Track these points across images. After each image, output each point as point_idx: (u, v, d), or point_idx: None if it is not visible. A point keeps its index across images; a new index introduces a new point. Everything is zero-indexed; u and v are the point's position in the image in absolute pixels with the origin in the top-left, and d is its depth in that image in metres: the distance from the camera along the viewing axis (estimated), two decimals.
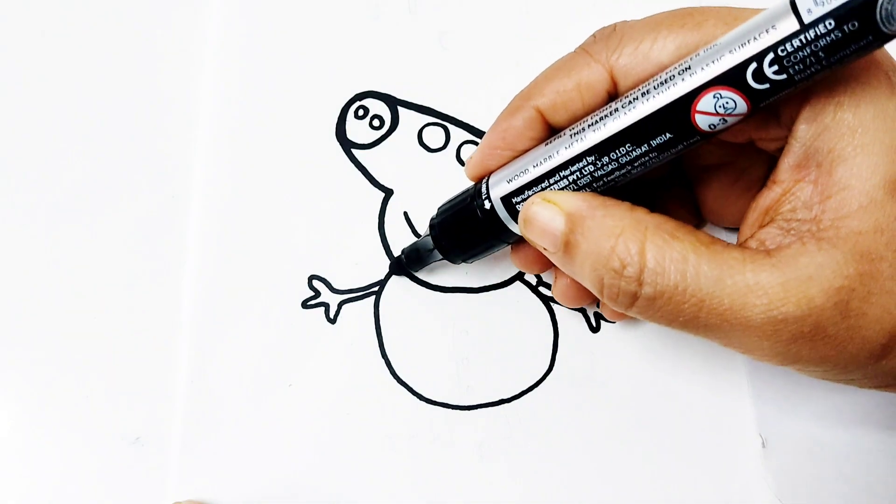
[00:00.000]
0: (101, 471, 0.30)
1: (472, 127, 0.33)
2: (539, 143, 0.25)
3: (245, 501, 0.30)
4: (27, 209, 0.32)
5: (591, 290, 0.24)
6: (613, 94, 0.24)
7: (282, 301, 0.31)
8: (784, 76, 0.20)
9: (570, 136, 0.24)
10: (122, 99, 0.34)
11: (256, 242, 0.32)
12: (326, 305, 0.32)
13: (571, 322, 0.32)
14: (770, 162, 0.26)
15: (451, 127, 0.33)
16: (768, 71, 0.20)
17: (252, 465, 0.30)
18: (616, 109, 0.23)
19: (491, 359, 0.31)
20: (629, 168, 0.23)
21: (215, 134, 0.33)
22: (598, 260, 0.22)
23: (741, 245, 0.22)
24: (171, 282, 0.32)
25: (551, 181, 0.24)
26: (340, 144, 0.33)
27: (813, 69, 0.19)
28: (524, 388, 0.31)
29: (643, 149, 0.22)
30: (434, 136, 0.33)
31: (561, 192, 0.24)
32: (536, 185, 0.24)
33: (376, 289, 0.32)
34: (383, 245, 0.32)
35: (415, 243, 0.30)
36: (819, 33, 0.19)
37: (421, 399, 0.31)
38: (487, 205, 0.26)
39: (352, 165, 0.33)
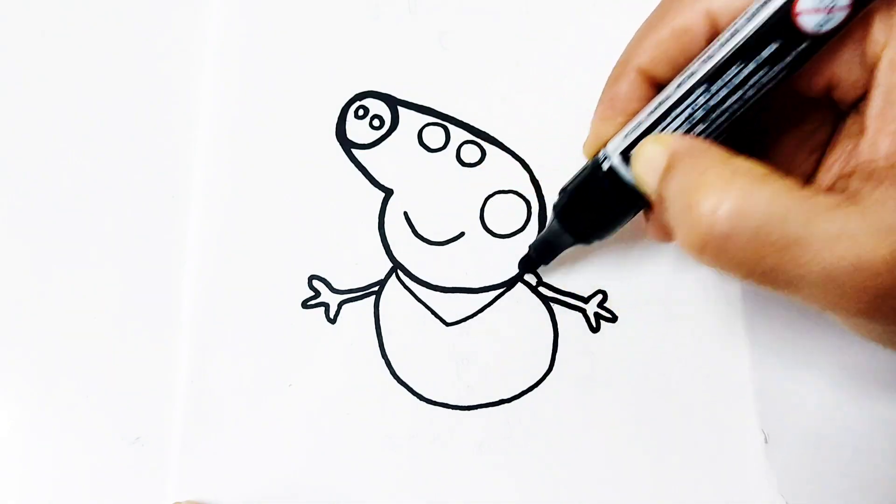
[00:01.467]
0: (101, 471, 0.30)
1: (473, 127, 0.33)
2: (649, 101, 0.25)
3: (245, 501, 0.30)
4: (27, 209, 0.32)
5: (674, 232, 0.22)
6: (713, 38, 0.24)
7: (282, 301, 0.31)
8: None
9: (680, 76, 0.24)
10: (122, 99, 0.34)
11: (256, 242, 0.32)
12: (326, 305, 0.32)
13: (571, 322, 0.32)
14: (837, 124, 0.26)
15: (451, 127, 0.33)
16: None
17: (252, 465, 0.30)
18: (720, 39, 0.23)
19: (491, 359, 0.31)
20: (742, 92, 0.22)
21: (215, 134, 0.33)
22: (680, 195, 0.22)
23: (823, 192, 0.22)
24: (171, 282, 0.32)
25: (666, 123, 0.24)
26: (340, 144, 0.33)
27: None
28: (524, 388, 0.31)
29: (753, 66, 0.22)
30: (434, 136, 0.33)
31: (671, 134, 0.23)
32: (652, 132, 0.24)
33: (376, 289, 0.32)
34: (383, 245, 0.32)
35: (542, 234, 0.30)
36: None
37: (421, 399, 0.31)
38: (607, 166, 0.25)
39: (352, 165, 0.33)
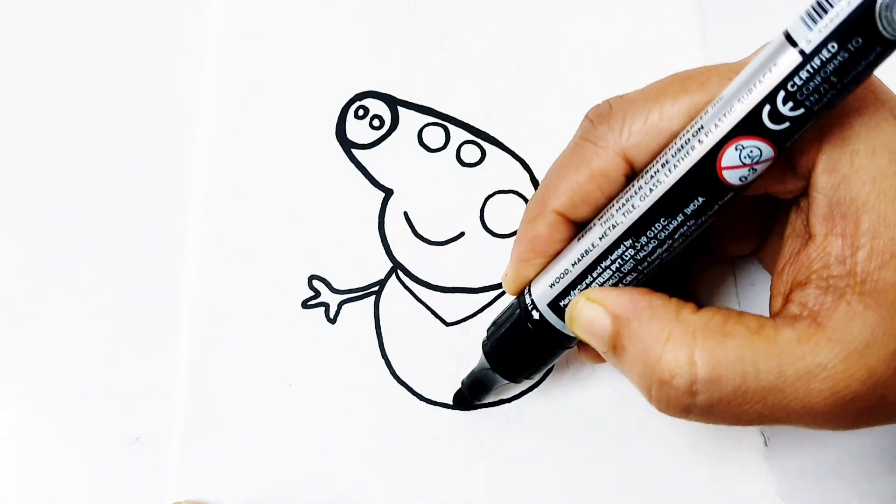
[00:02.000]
0: (101, 471, 0.30)
1: (473, 127, 0.33)
2: (569, 241, 0.25)
3: (245, 501, 0.30)
4: (27, 209, 0.32)
5: (642, 395, 0.22)
6: (631, 176, 0.23)
7: (282, 301, 0.31)
8: (801, 110, 0.19)
9: (602, 225, 0.23)
10: (122, 99, 0.34)
11: (256, 242, 0.32)
12: (326, 305, 0.32)
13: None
14: (775, 203, 0.26)
15: (451, 127, 0.33)
16: (784, 109, 0.19)
17: (252, 465, 0.30)
18: (640, 188, 0.22)
19: None
20: (670, 242, 0.22)
21: (215, 134, 0.33)
22: (645, 368, 0.21)
23: (781, 311, 0.22)
24: (171, 282, 0.32)
25: (594, 275, 0.23)
26: (340, 144, 0.33)
27: (829, 95, 0.19)
28: (524, 388, 0.31)
29: (679, 219, 0.22)
30: (434, 136, 0.33)
31: (605, 289, 0.23)
32: (580, 283, 0.23)
33: (376, 289, 0.32)
34: (383, 245, 0.32)
35: (472, 375, 0.29)
36: (825, 59, 0.18)
37: (421, 399, 0.31)
38: (536, 315, 0.25)
39: (352, 165, 0.33)
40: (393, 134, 0.33)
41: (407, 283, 0.32)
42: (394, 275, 0.32)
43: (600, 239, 0.23)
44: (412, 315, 0.32)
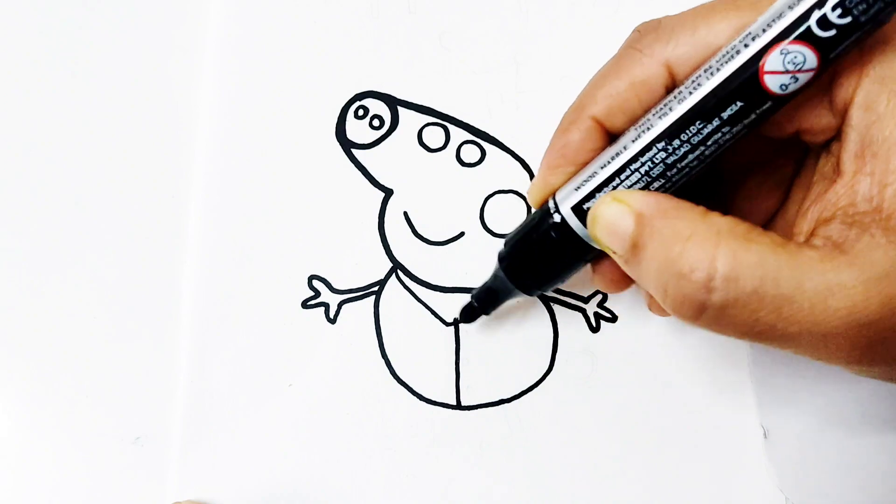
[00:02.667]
0: (101, 471, 0.30)
1: (473, 127, 0.33)
2: (601, 152, 0.24)
3: (245, 501, 0.30)
4: (27, 209, 0.32)
5: (657, 298, 0.22)
6: (671, 89, 0.23)
7: (282, 301, 0.31)
8: (849, 18, 0.19)
9: (636, 129, 0.23)
10: (122, 99, 0.34)
11: (256, 242, 0.32)
12: (326, 305, 0.32)
13: (571, 322, 0.32)
14: (802, 158, 0.25)
15: (451, 127, 0.33)
16: (832, 16, 0.19)
17: (252, 464, 0.30)
18: (679, 92, 0.22)
19: (491, 359, 0.31)
20: (703, 149, 0.22)
21: (215, 134, 0.33)
22: (664, 264, 0.21)
23: (807, 243, 0.22)
24: (171, 282, 0.32)
25: (622, 178, 0.23)
26: (340, 144, 0.33)
27: (876, 6, 0.19)
28: (524, 388, 0.31)
29: (714, 124, 0.21)
30: (434, 136, 0.33)
31: (631, 191, 0.23)
32: (607, 186, 0.23)
33: (376, 289, 0.32)
34: (383, 245, 0.32)
35: (485, 284, 0.29)
36: None
37: (421, 399, 0.31)
38: (558, 218, 0.24)
39: (352, 165, 0.33)
40: (393, 134, 0.33)
41: (407, 283, 0.32)
42: (394, 275, 0.32)
43: (633, 141, 0.23)
44: (412, 315, 0.32)
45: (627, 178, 0.23)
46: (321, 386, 0.31)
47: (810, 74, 0.20)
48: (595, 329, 0.32)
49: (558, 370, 0.31)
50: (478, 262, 0.32)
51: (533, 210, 0.26)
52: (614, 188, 0.23)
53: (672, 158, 0.22)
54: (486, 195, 0.33)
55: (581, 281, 0.32)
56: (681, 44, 0.23)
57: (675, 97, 0.22)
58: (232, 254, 0.32)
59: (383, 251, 0.32)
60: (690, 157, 0.22)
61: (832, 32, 0.19)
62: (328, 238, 0.32)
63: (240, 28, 0.34)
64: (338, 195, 0.33)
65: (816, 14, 0.19)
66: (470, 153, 0.33)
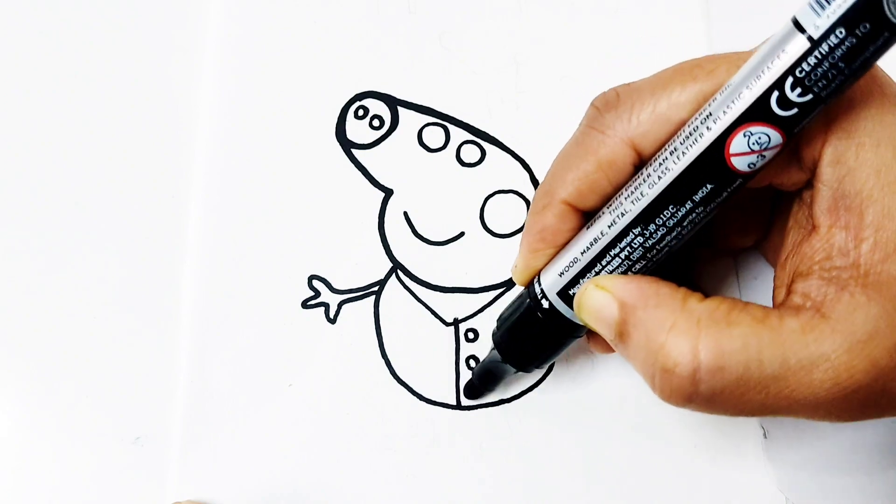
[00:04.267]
0: (101, 471, 0.30)
1: (473, 127, 0.33)
2: (577, 231, 0.25)
3: (245, 501, 0.30)
4: (27, 209, 0.32)
5: (646, 383, 0.23)
6: (639, 165, 0.23)
7: (282, 301, 0.31)
8: (810, 96, 0.19)
9: (610, 213, 0.23)
10: (122, 99, 0.34)
11: (256, 242, 0.32)
12: (326, 305, 0.32)
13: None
14: (776, 201, 0.26)
15: (451, 127, 0.33)
16: (792, 95, 0.19)
17: (252, 464, 0.30)
18: (649, 175, 0.22)
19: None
20: (679, 230, 0.22)
21: (215, 134, 0.33)
22: (649, 355, 0.22)
23: (784, 302, 0.22)
24: (171, 282, 0.32)
25: (604, 263, 0.23)
26: (340, 144, 0.33)
27: (837, 81, 0.19)
28: (524, 388, 0.31)
29: (687, 206, 0.22)
30: (434, 136, 0.33)
31: (613, 276, 0.23)
32: (590, 271, 0.24)
33: (376, 289, 0.32)
34: (383, 245, 0.32)
35: (483, 366, 0.29)
36: (833, 44, 0.18)
37: (421, 399, 0.31)
38: (546, 304, 0.25)
39: (352, 165, 0.33)
40: (393, 134, 0.33)
41: (407, 283, 0.32)
42: (394, 275, 0.32)
43: (609, 227, 0.23)
44: (412, 315, 0.32)
45: (609, 263, 0.23)
46: (321, 386, 0.31)
47: (776, 150, 0.20)
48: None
49: (558, 370, 0.31)
50: (478, 262, 0.32)
51: (518, 287, 0.28)
52: (597, 273, 0.24)
53: (650, 241, 0.23)
54: (486, 195, 0.33)
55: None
56: (642, 121, 0.23)
57: (644, 181, 0.22)
58: (232, 254, 0.32)
59: (383, 251, 0.32)
60: (668, 238, 0.22)
61: (794, 111, 0.19)
62: (328, 238, 0.32)
63: (240, 28, 0.34)
64: (338, 195, 0.33)
65: (776, 94, 0.19)
66: (470, 153, 0.33)
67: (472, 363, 0.31)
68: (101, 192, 0.33)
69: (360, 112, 0.33)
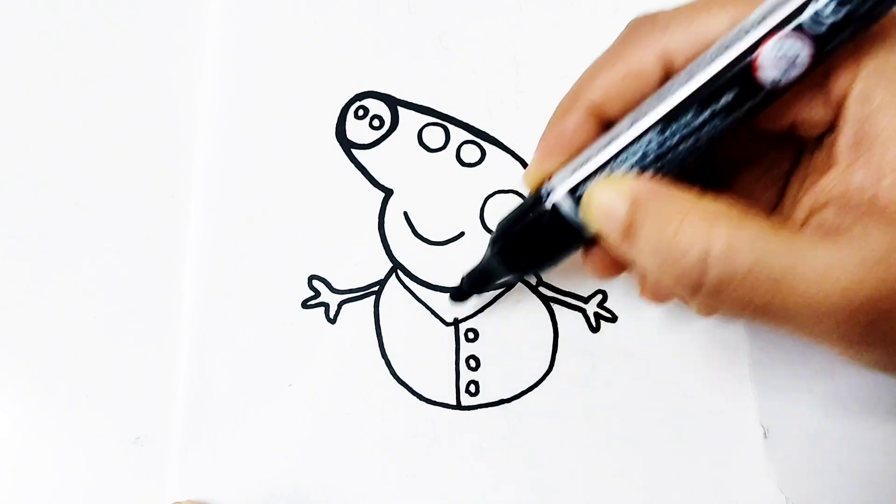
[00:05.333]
0: (101, 471, 0.30)
1: (473, 127, 0.33)
2: (593, 136, 0.24)
3: (245, 501, 0.30)
4: (27, 209, 0.32)
5: (651, 279, 0.22)
6: (666, 79, 0.23)
7: (282, 301, 0.31)
8: (844, 13, 0.19)
9: (631, 117, 0.23)
10: (122, 99, 0.34)
11: (256, 242, 0.32)
12: (326, 305, 0.32)
13: (571, 322, 0.32)
14: (798, 155, 0.26)
15: (451, 127, 0.33)
16: (827, 10, 0.19)
17: (252, 464, 0.30)
18: (674, 81, 0.22)
19: (491, 359, 0.31)
20: (696, 138, 0.22)
21: (215, 134, 0.33)
22: (659, 244, 0.21)
23: (801, 229, 0.22)
24: (171, 282, 0.32)
25: (616, 163, 0.23)
26: (340, 144, 0.33)
27: (872, 1, 0.19)
28: (524, 388, 0.31)
29: (708, 113, 0.22)
30: (434, 136, 0.33)
31: (625, 176, 0.23)
32: (601, 172, 0.23)
33: (376, 289, 0.32)
34: (383, 245, 0.32)
35: (477, 266, 0.29)
36: None
37: (421, 399, 0.31)
38: (550, 203, 0.24)
39: (352, 165, 0.33)
40: (393, 134, 0.33)
41: (407, 283, 0.32)
42: (394, 275, 0.32)
43: (627, 128, 0.23)
44: (412, 315, 0.32)
45: (622, 163, 0.23)
46: (321, 386, 0.31)
47: (804, 68, 0.20)
48: (595, 329, 0.32)
49: (558, 370, 0.31)
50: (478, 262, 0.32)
51: (527, 195, 0.27)
52: (609, 174, 0.23)
53: (667, 145, 0.22)
54: (486, 195, 0.33)
55: (581, 281, 0.32)
56: (676, 35, 0.23)
57: (669, 87, 0.22)
58: (232, 254, 0.32)
59: (383, 251, 0.32)
60: (684, 145, 0.22)
61: (826, 27, 0.20)
62: (328, 238, 0.32)
63: (240, 28, 0.34)
64: (338, 195, 0.33)
65: (812, 8, 0.20)
66: (470, 153, 0.33)
67: (473, 363, 0.31)
68: (101, 192, 0.33)
69: (360, 112, 0.33)
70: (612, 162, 0.23)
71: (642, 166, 0.23)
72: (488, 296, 0.32)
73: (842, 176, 0.22)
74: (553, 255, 0.26)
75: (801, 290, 0.20)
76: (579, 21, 0.34)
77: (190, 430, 0.30)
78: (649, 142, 0.22)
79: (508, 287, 0.32)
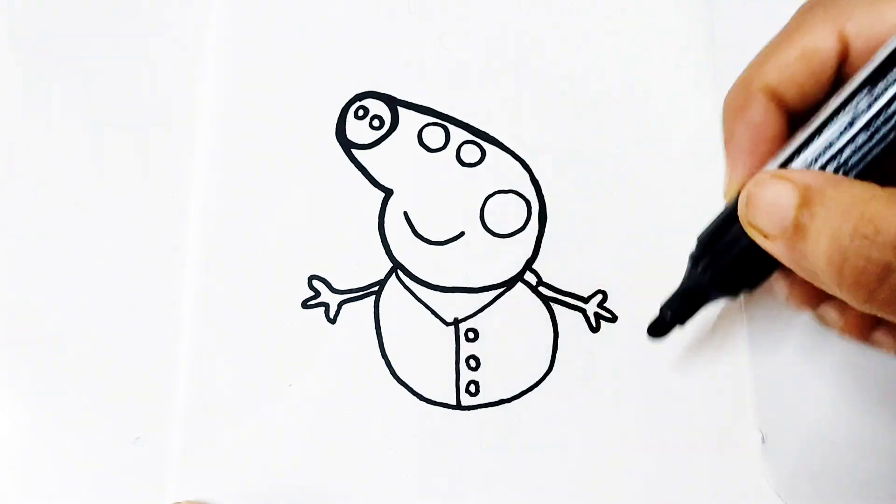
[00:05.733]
0: (101, 471, 0.30)
1: (473, 127, 0.33)
2: (785, 130, 0.22)
3: (245, 501, 0.30)
4: (27, 210, 0.32)
5: (824, 276, 0.19)
6: (844, 59, 0.21)
7: (282, 301, 0.31)
8: None
9: (831, 106, 0.20)
10: (122, 99, 0.34)
11: (256, 243, 0.32)
12: (326, 305, 0.32)
13: (571, 322, 0.32)
14: None
15: (451, 127, 0.33)
16: None
17: (252, 464, 0.30)
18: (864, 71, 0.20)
19: (491, 359, 0.31)
20: None
21: (215, 134, 0.33)
22: (839, 230, 0.18)
23: None
24: (171, 282, 0.32)
25: (823, 156, 0.20)
26: (340, 144, 0.33)
27: None
28: (524, 388, 0.31)
29: None
30: (434, 136, 0.33)
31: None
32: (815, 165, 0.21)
33: (376, 289, 0.32)
34: (383, 245, 0.32)
35: (679, 291, 0.25)
36: None
37: (421, 399, 0.31)
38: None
39: (352, 165, 0.33)
40: (393, 134, 0.33)
41: (407, 283, 0.32)
42: (394, 275, 0.32)
43: (830, 112, 0.20)
44: (412, 315, 0.32)
45: (831, 153, 0.20)
46: (321, 386, 0.31)
47: None
48: (595, 329, 0.32)
49: (558, 370, 0.31)
50: (478, 262, 0.32)
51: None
52: (819, 156, 0.21)
53: (875, 108, 0.19)
54: (486, 195, 0.33)
55: (581, 281, 0.32)
56: (856, 15, 0.21)
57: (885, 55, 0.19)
58: (232, 254, 0.32)
59: (383, 251, 0.32)
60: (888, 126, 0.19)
61: None
62: (328, 238, 0.32)
63: (240, 28, 0.34)
64: (338, 195, 0.33)
65: None
66: (470, 153, 0.33)
67: (473, 363, 0.31)
68: (101, 193, 0.33)
69: (361, 112, 0.33)
70: (823, 154, 0.20)
71: (849, 138, 0.20)
72: (488, 296, 0.32)
73: None
74: (764, 268, 0.23)
75: None
76: (579, 21, 0.34)
77: (190, 430, 0.30)
78: (858, 104, 0.20)
79: (508, 287, 0.32)
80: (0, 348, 0.31)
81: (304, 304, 0.32)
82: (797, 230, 0.20)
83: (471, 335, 0.31)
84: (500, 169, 0.33)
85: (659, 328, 0.27)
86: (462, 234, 0.32)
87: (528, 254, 0.32)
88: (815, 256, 0.19)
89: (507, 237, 0.32)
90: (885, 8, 0.21)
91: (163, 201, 0.33)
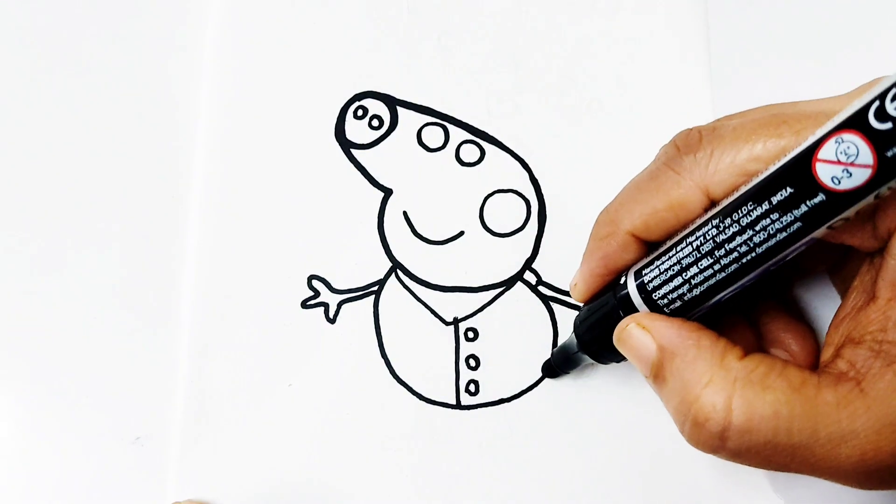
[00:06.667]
0: (101, 471, 0.30)
1: (472, 127, 0.33)
2: (638, 259, 0.25)
3: (245, 501, 0.30)
4: (27, 210, 0.33)
5: (676, 425, 0.23)
6: (708, 208, 0.24)
7: (282, 301, 0.31)
8: None
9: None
10: (122, 99, 0.34)
11: (256, 242, 0.32)
12: (326, 305, 0.32)
13: (571, 322, 0.32)
14: (844, 277, 0.26)
15: (450, 127, 0.33)
16: (891, 108, 0.18)
17: (252, 464, 0.30)
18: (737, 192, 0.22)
19: (491, 358, 0.31)
20: (751, 234, 0.22)
21: (215, 134, 0.33)
22: (682, 404, 0.22)
23: (829, 364, 0.22)
24: (171, 282, 0.32)
25: (677, 250, 0.24)
26: (340, 144, 0.33)
27: None
28: (524, 387, 0.31)
29: (764, 207, 0.21)
30: (433, 136, 0.33)
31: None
32: (666, 256, 0.24)
33: (376, 289, 0.32)
34: (383, 245, 0.32)
35: (564, 351, 0.30)
36: None
37: (421, 399, 0.31)
38: (623, 292, 0.25)
39: (351, 165, 0.33)
40: (392, 134, 0.33)
41: (407, 283, 0.32)
42: (393, 274, 0.32)
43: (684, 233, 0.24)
44: (412, 315, 0.32)
45: (682, 249, 0.23)
46: (321, 386, 0.31)
47: (865, 172, 0.19)
48: None
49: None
50: (478, 262, 0.32)
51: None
52: (672, 263, 0.24)
53: (721, 237, 0.22)
54: (486, 195, 0.33)
55: None
56: (720, 169, 0.23)
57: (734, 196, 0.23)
58: (232, 253, 0.32)
59: (383, 251, 0.32)
60: (738, 239, 0.22)
61: (889, 125, 0.19)
62: (328, 238, 0.32)
63: (239, 28, 0.34)
64: (337, 195, 0.33)
65: (875, 105, 0.19)
66: (469, 153, 0.33)
67: (472, 363, 0.31)
68: (101, 192, 0.33)
69: (360, 112, 0.33)
70: (676, 245, 0.24)
71: (700, 254, 0.23)
72: (488, 295, 0.32)
73: (880, 312, 0.22)
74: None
75: (817, 457, 0.21)
76: (579, 21, 0.34)
77: (190, 430, 0.30)
78: (709, 230, 0.23)
79: (508, 286, 0.32)
80: (0, 348, 0.31)
81: (304, 304, 0.32)
82: (656, 381, 0.24)
83: (470, 335, 0.31)
84: (499, 168, 0.33)
85: (549, 372, 0.31)
86: (461, 233, 0.32)
87: (528, 253, 0.32)
88: (667, 408, 0.23)
89: (507, 236, 0.32)
90: (745, 159, 0.23)
91: (163, 201, 0.33)
